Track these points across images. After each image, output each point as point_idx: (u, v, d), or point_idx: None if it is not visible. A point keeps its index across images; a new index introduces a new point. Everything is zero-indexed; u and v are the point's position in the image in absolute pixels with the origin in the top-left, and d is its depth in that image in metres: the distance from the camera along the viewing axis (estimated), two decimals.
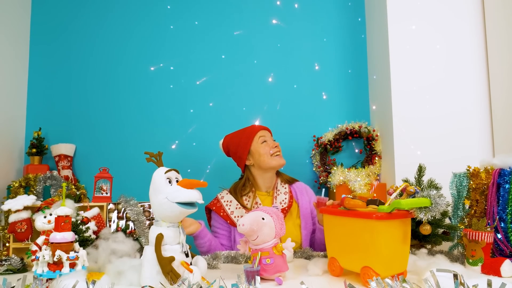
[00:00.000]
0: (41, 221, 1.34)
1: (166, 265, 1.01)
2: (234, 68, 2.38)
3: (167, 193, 1.06)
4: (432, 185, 1.29)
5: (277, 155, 1.78)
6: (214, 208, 1.79)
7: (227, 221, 1.75)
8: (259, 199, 1.79)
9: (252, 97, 2.36)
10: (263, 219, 1.18)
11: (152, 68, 2.37)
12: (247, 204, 1.77)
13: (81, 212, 1.49)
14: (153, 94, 2.36)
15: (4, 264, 1.31)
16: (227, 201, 1.79)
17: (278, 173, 1.87)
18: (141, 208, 1.62)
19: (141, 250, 1.34)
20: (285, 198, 1.79)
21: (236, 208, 1.76)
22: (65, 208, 1.06)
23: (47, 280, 1.00)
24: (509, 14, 1.85)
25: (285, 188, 1.83)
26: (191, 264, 1.10)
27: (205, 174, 2.29)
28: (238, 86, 2.37)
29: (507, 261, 1.16)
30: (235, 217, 1.74)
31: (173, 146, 2.31)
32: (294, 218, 1.77)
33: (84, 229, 1.35)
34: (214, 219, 1.82)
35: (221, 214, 1.76)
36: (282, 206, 1.75)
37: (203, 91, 2.37)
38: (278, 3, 2.40)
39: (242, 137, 1.81)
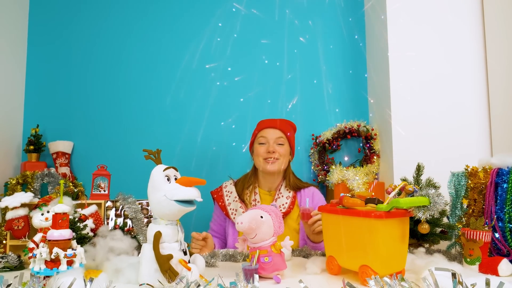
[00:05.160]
0: (39, 219, 1.33)
1: (164, 263, 1.01)
2: (236, 67, 2.38)
3: (166, 190, 1.05)
4: (431, 184, 1.28)
5: (269, 161, 1.70)
6: (215, 196, 1.83)
7: (223, 212, 1.76)
8: (260, 197, 1.77)
9: (253, 96, 2.36)
10: (261, 217, 1.18)
11: (150, 65, 2.36)
12: (246, 198, 1.75)
13: (79, 210, 1.49)
14: (152, 91, 2.35)
15: (1, 262, 1.30)
16: (228, 192, 1.80)
17: (285, 177, 1.80)
18: (139, 205, 1.62)
19: (139, 248, 1.34)
20: (286, 203, 1.72)
21: (234, 200, 1.76)
22: (63, 205, 1.06)
23: (44, 278, 1.00)
24: (508, 13, 1.85)
25: (290, 193, 1.76)
26: (189, 262, 1.09)
27: (204, 172, 2.28)
28: (239, 85, 2.36)
29: (505, 260, 1.16)
30: (230, 209, 1.74)
31: (172, 144, 2.30)
32: (292, 222, 1.72)
33: (81, 226, 1.35)
34: (215, 205, 1.86)
35: (220, 203, 1.78)
36: (280, 210, 1.71)
37: (203, 89, 2.36)
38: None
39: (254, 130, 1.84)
